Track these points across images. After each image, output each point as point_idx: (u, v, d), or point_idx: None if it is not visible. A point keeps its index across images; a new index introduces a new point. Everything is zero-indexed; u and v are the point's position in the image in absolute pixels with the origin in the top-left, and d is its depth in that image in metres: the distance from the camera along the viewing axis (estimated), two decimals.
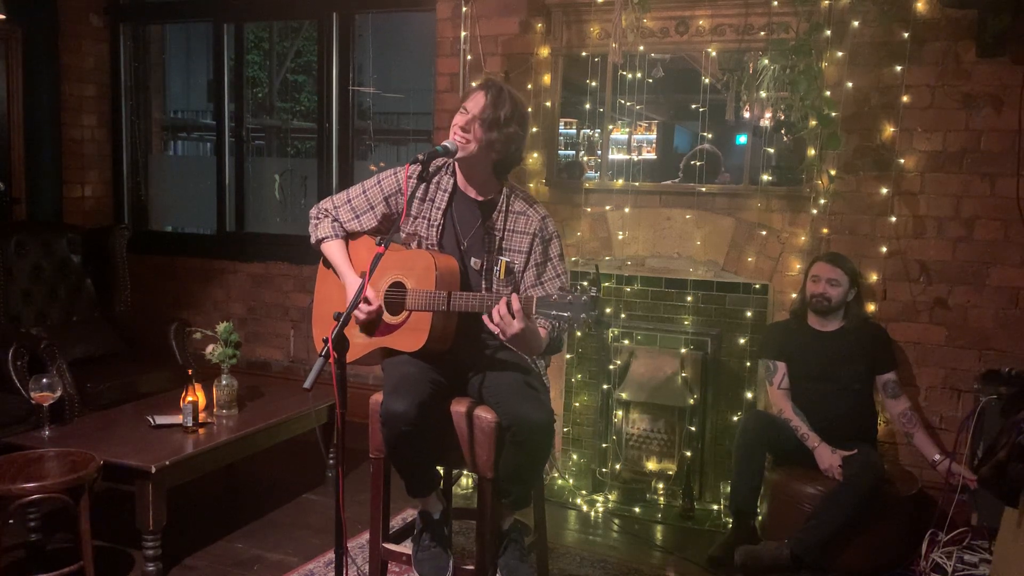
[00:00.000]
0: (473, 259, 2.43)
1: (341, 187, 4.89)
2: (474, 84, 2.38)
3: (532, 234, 2.42)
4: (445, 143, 2.31)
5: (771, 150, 3.63)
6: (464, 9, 4.01)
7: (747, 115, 3.87)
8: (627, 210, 3.83)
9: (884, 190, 3.44)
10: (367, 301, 2.34)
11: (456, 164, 2.43)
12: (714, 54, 3.69)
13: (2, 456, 2.74)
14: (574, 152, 4.56)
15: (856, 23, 3.40)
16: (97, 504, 2.76)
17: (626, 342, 3.85)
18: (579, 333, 3.94)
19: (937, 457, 3.18)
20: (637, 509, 3.66)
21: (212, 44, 5.31)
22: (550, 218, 2.48)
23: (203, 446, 3.06)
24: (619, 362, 3.82)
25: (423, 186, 2.44)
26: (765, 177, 3.60)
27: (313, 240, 2.56)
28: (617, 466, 3.81)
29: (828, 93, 3.36)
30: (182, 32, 6.55)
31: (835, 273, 3.26)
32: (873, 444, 3.30)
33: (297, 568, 3.03)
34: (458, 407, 2.37)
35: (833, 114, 3.34)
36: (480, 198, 2.44)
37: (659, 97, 4.05)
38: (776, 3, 3.46)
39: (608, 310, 3.82)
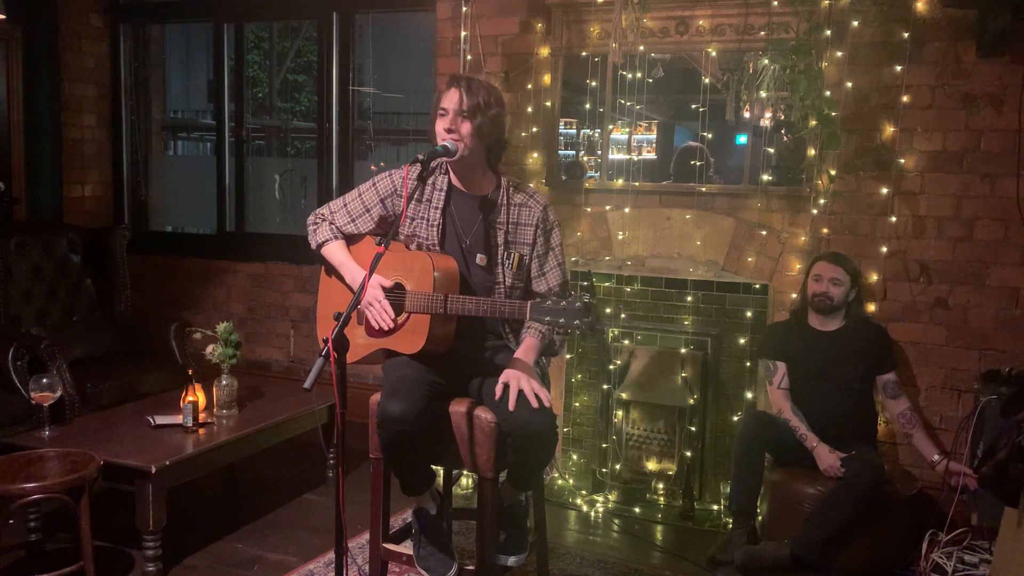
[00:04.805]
0: (479, 256, 2.43)
1: (341, 187, 4.90)
2: (441, 86, 2.40)
3: (535, 224, 2.44)
4: (444, 143, 2.32)
5: (771, 150, 3.63)
6: (464, 9, 4.01)
7: (747, 115, 3.87)
8: (627, 210, 3.83)
9: (884, 190, 3.44)
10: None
11: (450, 165, 2.43)
12: (714, 54, 3.69)
13: (2, 456, 2.74)
14: (574, 152, 4.56)
15: (856, 23, 3.40)
16: (97, 504, 2.76)
17: (626, 342, 3.85)
18: (578, 333, 3.93)
19: (936, 457, 3.18)
20: (637, 509, 3.66)
21: (212, 44, 5.31)
22: (551, 207, 2.50)
23: (203, 446, 3.06)
24: (619, 362, 3.82)
25: (419, 187, 2.44)
26: (765, 177, 3.60)
27: (314, 245, 2.56)
28: (617, 466, 3.81)
29: (828, 93, 3.36)
30: (182, 32, 6.54)
31: (837, 272, 3.26)
32: (873, 444, 3.30)
33: (297, 568, 3.03)
34: (457, 407, 2.37)
35: (833, 114, 3.34)
36: (479, 194, 2.45)
37: (659, 97, 4.05)
38: (776, 3, 3.46)
39: (608, 310, 3.82)
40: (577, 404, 4.00)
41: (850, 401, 3.25)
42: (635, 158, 4.20)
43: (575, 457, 4.01)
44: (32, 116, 4.96)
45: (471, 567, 2.40)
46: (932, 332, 3.44)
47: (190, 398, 3.14)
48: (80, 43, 5.25)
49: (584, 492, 3.81)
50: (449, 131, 2.31)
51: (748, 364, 3.65)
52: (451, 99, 2.33)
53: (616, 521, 3.57)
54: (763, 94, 3.57)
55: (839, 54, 3.41)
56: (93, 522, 2.67)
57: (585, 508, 3.69)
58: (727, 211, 3.71)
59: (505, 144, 2.49)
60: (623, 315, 3.82)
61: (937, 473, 3.20)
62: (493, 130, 2.36)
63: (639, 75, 3.72)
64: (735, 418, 3.63)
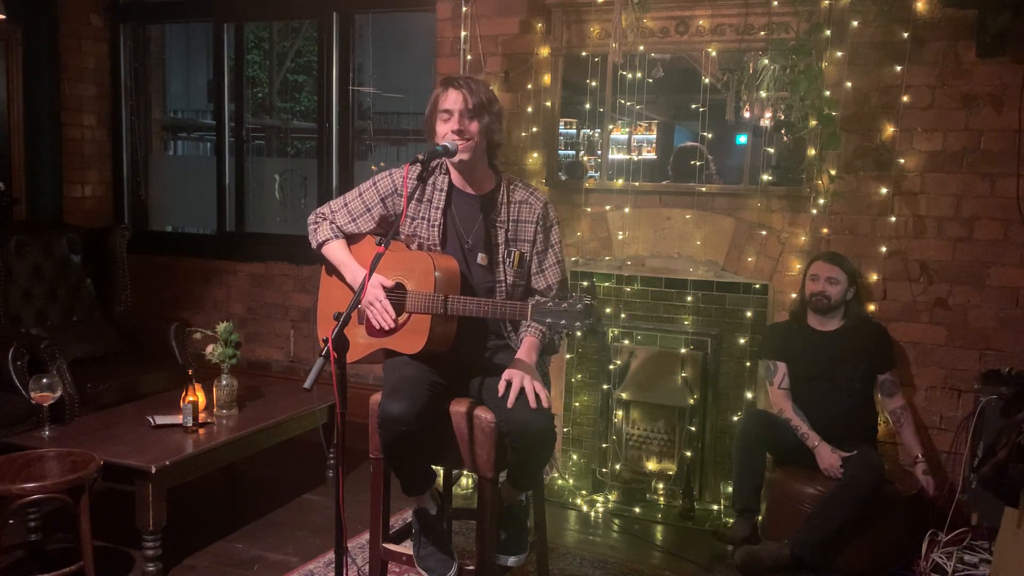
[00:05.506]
0: (480, 255, 2.43)
1: (341, 187, 4.90)
2: (436, 89, 2.38)
3: (535, 221, 2.45)
4: (444, 143, 2.31)
5: (771, 150, 3.63)
6: (464, 9, 4.01)
7: (747, 115, 3.87)
8: (627, 210, 3.83)
9: (884, 190, 3.44)
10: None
11: (452, 165, 2.43)
12: (714, 54, 3.69)
13: (2, 456, 2.74)
14: (574, 152, 4.56)
15: (856, 23, 3.40)
16: (97, 504, 2.76)
17: (626, 342, 3.85)
18: (579, 334, 3.94)
19: (919, 457, 3.20)
20: (637, 509, 3.66)
21: (212, 44, 5.31)
22: (551, 204, 2.51)
23: (203, 446, 3.06)
24: (619, 362, 3.82)
25: (419, 187, 2.44)
26: (765, 177, 3.60)
27: (314, 244, 2.56)
28: (617, 466, 3.81)
29: (828, 93, 3.36)
30: (182, 32, 6.54)
31: (833, 271, 3.27)
32: (873, 444, 3.31)
33: (297, 568, 3.03)
34: (458, 407, 2.37)
35: (833, 114, 3.34)
36: (479, 193, 2.45)
37: (659, 97, 4.05)
38: (776, 3, 3.46)
39: (608, 310, 3.82)
40: (577, 404, 4.00)
41: (850, 401, 3.25)
42: (635, 158, 4.19)
43: (575, 457, 4.01)
44: (32, 116, 4.96)
45: (471, 567, 2.40)
46: (932, 332, 3.44)
47: (190, 398, 3.14)
48: (80, 43, 5.25)
49: (584, 492, 3.81)
50: (459, 132, 2.31)
51: (748, 364, 3.65)
52: (453, 100, 2.32)
53: (616, 521, 3.57)
54: (763, 94, 3.57)
55: (839, 54, 3.41)
56: (93, 522, 2.67)
57: (585, 508, 3.69)
58: (727, 211, 3.71)
59: (501, 140, 2.49)
60: (623, 315, 3.82)
61: (916, 473, 3.22)
62: (499, 127, 2.38)
63: (639, 75, 3.72)
64: (735, 418, 3.63)
